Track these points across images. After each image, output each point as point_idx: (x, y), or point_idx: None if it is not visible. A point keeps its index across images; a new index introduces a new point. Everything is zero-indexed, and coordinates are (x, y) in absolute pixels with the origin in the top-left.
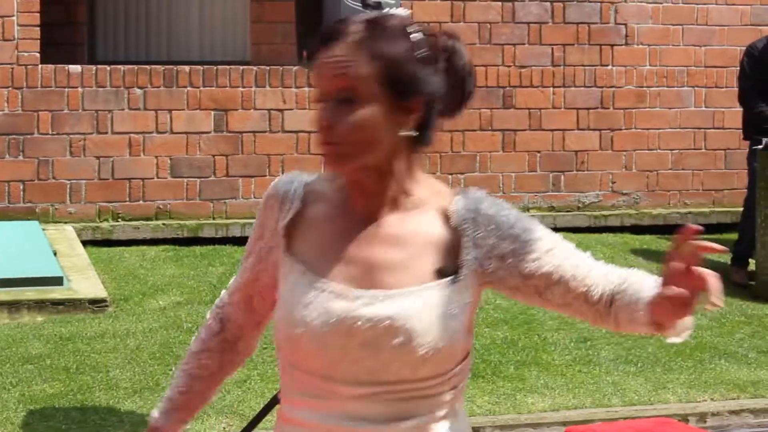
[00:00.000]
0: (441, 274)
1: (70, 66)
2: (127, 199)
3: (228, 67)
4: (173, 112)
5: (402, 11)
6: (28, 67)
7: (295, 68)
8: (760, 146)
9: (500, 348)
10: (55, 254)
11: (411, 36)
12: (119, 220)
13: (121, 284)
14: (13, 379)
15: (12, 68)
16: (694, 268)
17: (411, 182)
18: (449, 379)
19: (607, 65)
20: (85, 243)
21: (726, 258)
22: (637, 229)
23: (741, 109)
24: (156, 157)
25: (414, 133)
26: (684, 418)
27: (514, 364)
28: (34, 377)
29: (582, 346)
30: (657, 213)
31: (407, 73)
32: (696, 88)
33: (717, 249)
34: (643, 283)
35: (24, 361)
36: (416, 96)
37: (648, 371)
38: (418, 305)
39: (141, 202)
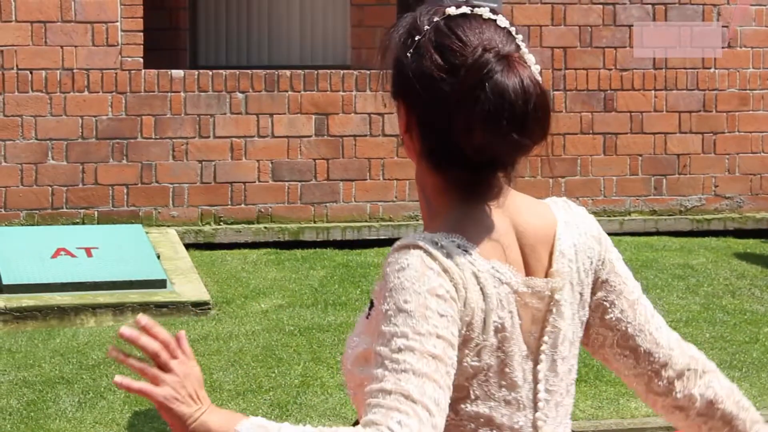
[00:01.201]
0: (371, 305)
1: (173, 71)
2: (229, 202)
3: (328, 71)
4: (274, 116)
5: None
6: (132, 72)
7: None
8: None
9: None
10: (158, 257)
11: (411, 30)
12: (221, 223)
13: (223, 287)
14: None
15: (116, 73)
16: None
17: (431, 210)
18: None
19: (710, 68)
20: (187, 246)
21: None
22: (740, 233)
23: None
24: (257, 161)
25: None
26: None
27: None
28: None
29: None
30: (761, 217)
31: (395, 68)
32: None
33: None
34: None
35: None
36: (397, 95)
37: (753, 376)
38: (356, 329)
39: (243, 205)
